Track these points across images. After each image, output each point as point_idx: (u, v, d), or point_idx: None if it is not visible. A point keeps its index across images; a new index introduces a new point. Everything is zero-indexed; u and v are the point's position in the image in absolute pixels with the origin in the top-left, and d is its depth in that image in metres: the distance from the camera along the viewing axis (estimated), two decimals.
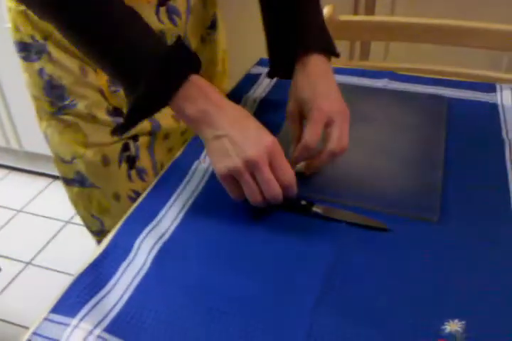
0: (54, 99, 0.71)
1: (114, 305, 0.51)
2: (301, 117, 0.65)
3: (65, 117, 0.72)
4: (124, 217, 0.61)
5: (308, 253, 0.56)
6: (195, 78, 0.56)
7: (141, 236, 0.58)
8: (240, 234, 0.59)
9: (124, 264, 0.55)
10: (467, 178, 0.67)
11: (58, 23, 0.56)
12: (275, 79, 0.90)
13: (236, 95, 0.85)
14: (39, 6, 0.56)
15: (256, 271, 0.54)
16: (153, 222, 0.60)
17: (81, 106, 0.70)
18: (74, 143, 0.73)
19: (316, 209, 0.60)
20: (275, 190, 0.55)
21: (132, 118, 0.57)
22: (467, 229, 0.59)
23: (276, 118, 0.76)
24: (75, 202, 0.82)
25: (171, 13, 0.69)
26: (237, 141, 0.54)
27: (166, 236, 0.59)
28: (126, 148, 0.74)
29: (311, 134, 0.61)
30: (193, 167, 0.69)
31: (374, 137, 0.75)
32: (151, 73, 0.54)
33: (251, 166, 0.54)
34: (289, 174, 0.56)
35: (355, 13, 1.52)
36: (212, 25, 0.83)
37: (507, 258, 0.56)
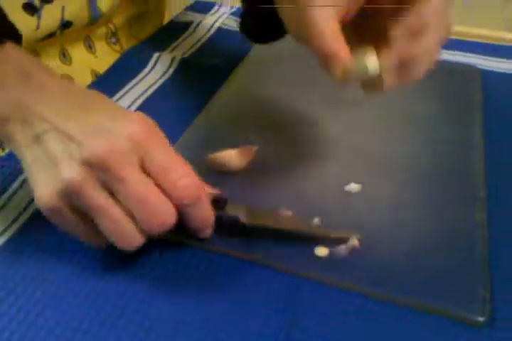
0: None
1: None
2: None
3: None
4: None
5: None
6: (9, 48, 0.32)
7: None
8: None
9: None
10: None
11: None
12: (210, 33, 0.57)
13: (145, 52, 0.53)
14: None
15: None
16: None
17: None
18: None
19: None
20: (158, 219, 0.29)
21: None
22: None
23: (199, 93, 0.46)
24: None
25: None
26: (73, 134, 0.28)
27: None
28: None
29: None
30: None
31: (364, 140, 0.43)
32: None
33: (102, 175, 0.28)
34: (187, 179, 0.29)
35: None
36: None
37: None
